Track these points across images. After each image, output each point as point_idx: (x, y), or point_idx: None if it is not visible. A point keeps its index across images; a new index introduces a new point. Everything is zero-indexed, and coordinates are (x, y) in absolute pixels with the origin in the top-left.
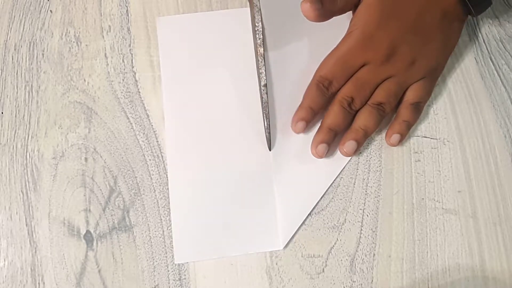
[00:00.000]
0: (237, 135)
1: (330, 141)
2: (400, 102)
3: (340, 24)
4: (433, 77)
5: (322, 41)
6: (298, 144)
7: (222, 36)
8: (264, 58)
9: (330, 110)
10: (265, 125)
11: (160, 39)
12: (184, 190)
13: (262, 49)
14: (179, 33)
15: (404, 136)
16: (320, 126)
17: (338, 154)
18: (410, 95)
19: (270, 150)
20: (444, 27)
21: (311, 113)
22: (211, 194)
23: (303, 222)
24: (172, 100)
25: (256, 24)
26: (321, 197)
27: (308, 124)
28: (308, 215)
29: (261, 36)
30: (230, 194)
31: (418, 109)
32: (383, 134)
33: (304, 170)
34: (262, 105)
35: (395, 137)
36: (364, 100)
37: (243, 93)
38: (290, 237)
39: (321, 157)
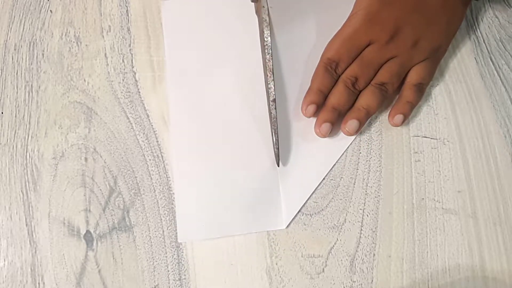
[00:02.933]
0: (241, 120)
1: (334, 121)
2: (403, 83)
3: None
4: (435, 58)
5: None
6: (302, 124)
7: (229, 21)
8: (273, 72)
9: (334, 89)
10: (273, 140)
11: (165, 24)
12: (188, 169)
13: (271, 63)
14: (185, 17)
15: (407, 117)
16: (324, 106)
17: (341, 134)
18: (413, 76)
19: (278, 166)
20: (448, 9)
21: (321, 95)
22: (214, 174)
23: (303, 222)
24: (177, 89)
25: (265, 39)
26: (323, 194)
27: (318, 107)
28: (308, 215)
29: (270, 51)
30: (234, 173)
31: (421, 90)
32: (383, 134)
33: (308, 150)
34: (270, 120)
35: (399, 117)
36: (368, 80)
37: (247, 78)
38: (293, 217)
39: (324, 136)
